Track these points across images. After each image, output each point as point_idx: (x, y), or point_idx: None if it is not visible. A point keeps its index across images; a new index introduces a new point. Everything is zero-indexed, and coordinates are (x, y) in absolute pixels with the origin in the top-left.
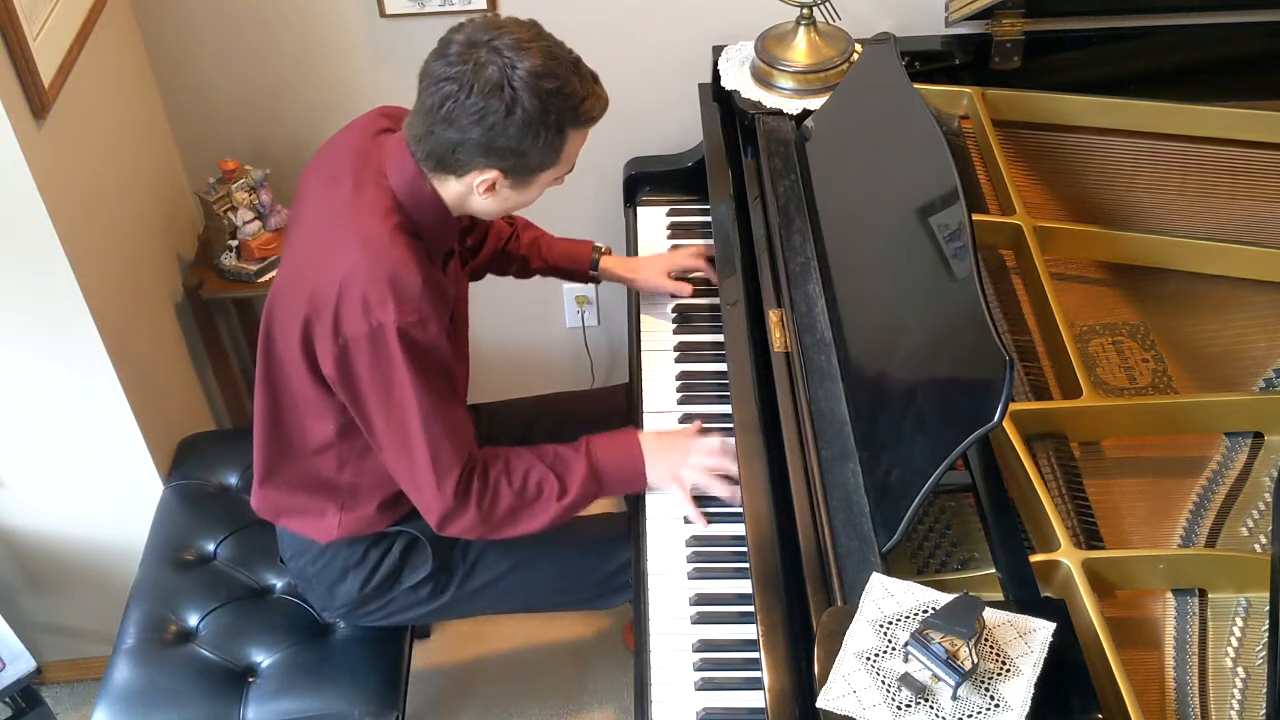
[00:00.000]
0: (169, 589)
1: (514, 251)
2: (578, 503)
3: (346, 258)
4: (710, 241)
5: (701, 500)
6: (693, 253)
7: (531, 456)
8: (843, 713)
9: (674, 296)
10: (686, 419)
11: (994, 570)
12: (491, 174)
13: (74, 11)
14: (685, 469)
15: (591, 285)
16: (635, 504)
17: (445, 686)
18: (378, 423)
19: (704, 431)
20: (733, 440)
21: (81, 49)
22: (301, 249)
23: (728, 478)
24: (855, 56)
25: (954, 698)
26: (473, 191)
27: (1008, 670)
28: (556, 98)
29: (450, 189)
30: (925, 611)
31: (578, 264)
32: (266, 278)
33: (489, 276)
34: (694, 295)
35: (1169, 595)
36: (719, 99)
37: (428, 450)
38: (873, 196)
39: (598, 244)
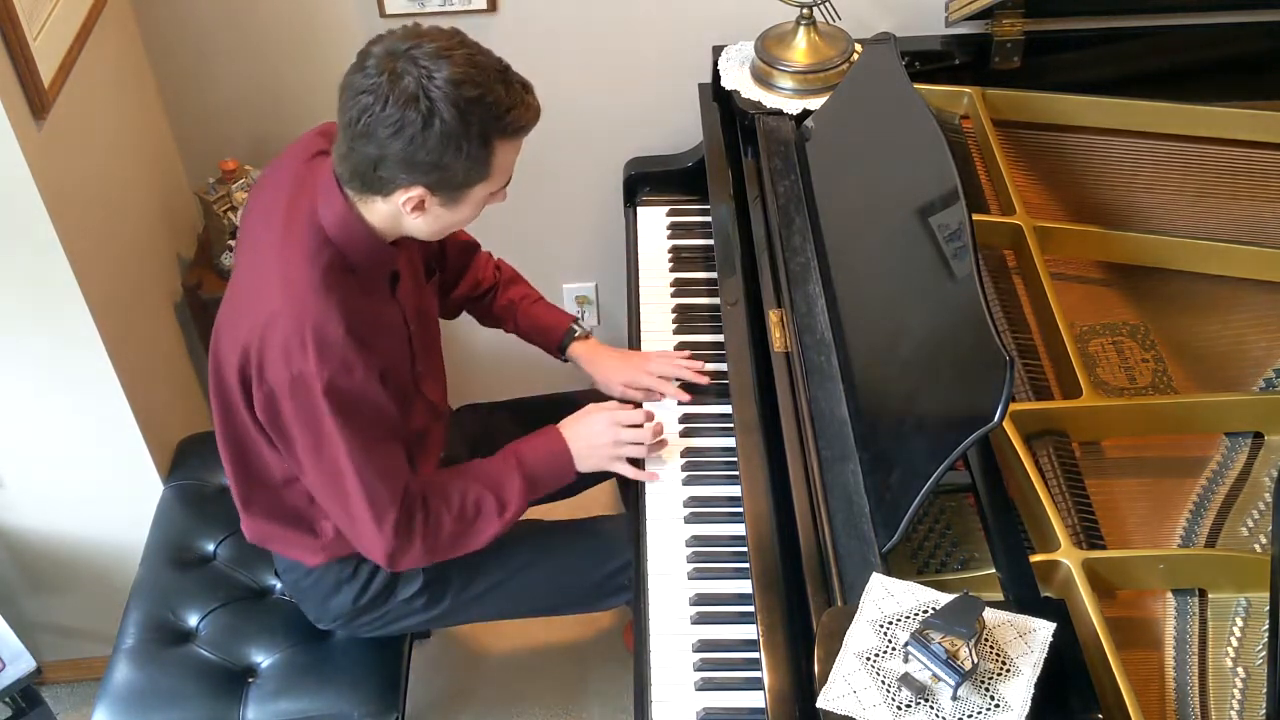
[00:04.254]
0: (169, 589)
1: (489, 307)
2: (517, 513)
3: (269, 304)
4: (685, 358)
5: (699, 500)
6: (664, 383)
7: (465, 478)
8: (843, 713)
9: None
10: (686, 419)
11: (994, 570)
12: (417, 191)
13: (74, 11)
14: (617, 448)
15: (591, 284)
16: (635, 504)
17: (445, 686)
18: (308, 467)
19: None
20: (731, 442)
21: (81, 49)
22: (238, 283)
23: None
24: (855, 56)
25: (954, 698)
26: (401, 212)
27: (1008, 670)
28: (478, 106)
29: (378, 211)
30: (925, 611)
31: (549, 341)
32: None
33: None
34: (691, 296)
35: (1169, 595)
36: (719, 99)
37: (364, 494)
38: (873, 196)
39: (576, 326)
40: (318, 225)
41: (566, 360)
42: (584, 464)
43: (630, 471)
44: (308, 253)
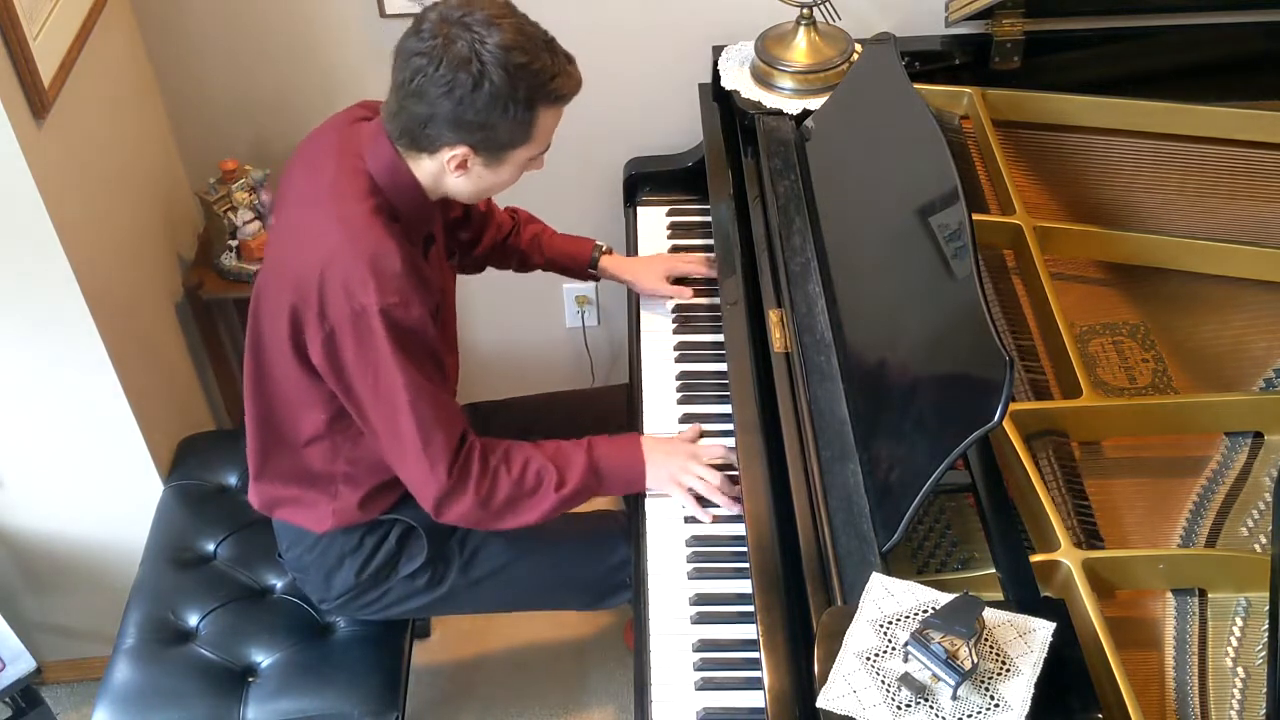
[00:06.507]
0: (169, 589)
1: (514, 246)
2: (576, 495)
3: (326, 242)
4: (711, 253)
5: (699, 500)
6: (693, 259)
7: (531, 448)
8: (843, 713)
9: (673, 299)
10: (686, 419)
11: (994, 570)
12: (462, 150)
13: (74, 11)
14: (686, 475)
15: (592, 284)
16: (635, 504)
17: (445, 686)
18: (368, 406)
19: (703, 435)
20: (731, 443)
21: (81, 49)
22: (283, 238)
23: (727, 483)
24: (855, 56)
25: (954, 698)
26: (445, 170)
27: (1008, 670)
28: (525, 72)
29: (424, 168)
30: (925, 611)
31: (577, 262)
32: None
33: (490, 275)
34: (694, 295)
35: (1169, 595)
36: (719, 99)
37: (418, 434)
38: (873, 196)
39: (599, 243)
40: (366, 173)
41: (597, 278)
42: (654, 474)
43: (690, 501)
44: (359, 194)
